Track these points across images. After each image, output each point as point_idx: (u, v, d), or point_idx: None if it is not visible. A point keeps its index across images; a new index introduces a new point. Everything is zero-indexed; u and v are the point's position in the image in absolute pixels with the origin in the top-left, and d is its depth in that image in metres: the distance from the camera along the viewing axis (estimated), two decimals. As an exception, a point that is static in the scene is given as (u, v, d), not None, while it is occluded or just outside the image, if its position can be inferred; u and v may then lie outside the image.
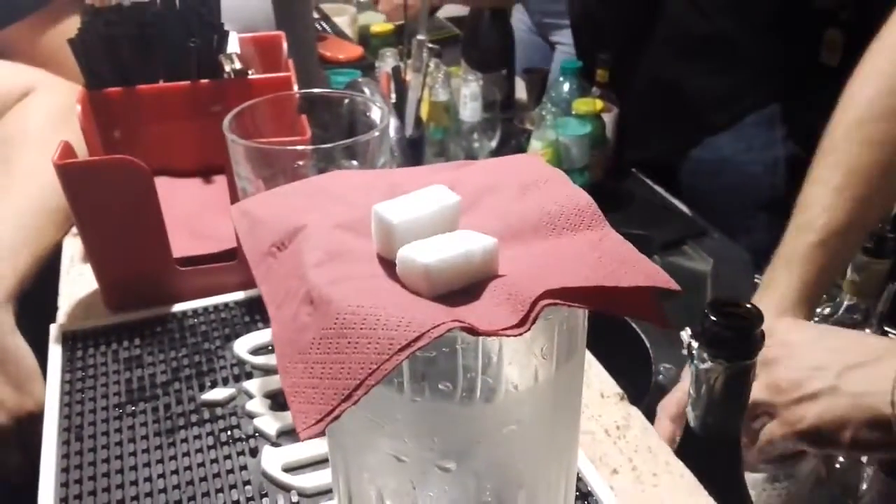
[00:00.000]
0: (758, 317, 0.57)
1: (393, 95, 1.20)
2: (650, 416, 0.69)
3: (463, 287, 0.37)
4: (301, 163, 0.64)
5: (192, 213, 0.81)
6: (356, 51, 1.56)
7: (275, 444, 0.59)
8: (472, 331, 0.34)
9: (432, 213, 0.39)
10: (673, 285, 0.38)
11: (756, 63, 1.26)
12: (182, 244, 0.74)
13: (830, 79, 1.11)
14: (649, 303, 0.39)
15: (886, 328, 0.94)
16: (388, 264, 0.39)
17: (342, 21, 1.74)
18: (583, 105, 1.23)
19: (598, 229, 0.41)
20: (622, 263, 0.38)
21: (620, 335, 1.00)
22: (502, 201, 0.44)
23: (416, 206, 0.39)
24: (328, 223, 0.41)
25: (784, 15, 1.27)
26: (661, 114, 1.33)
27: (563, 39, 1.68)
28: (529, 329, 0.34)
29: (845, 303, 0.93)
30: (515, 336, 0.34)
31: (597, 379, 0.66)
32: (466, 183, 0.45)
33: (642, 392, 0.93)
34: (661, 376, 0.97)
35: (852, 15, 1.74)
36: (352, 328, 0.34)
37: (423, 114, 1.21)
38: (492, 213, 0.42)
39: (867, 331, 0.83)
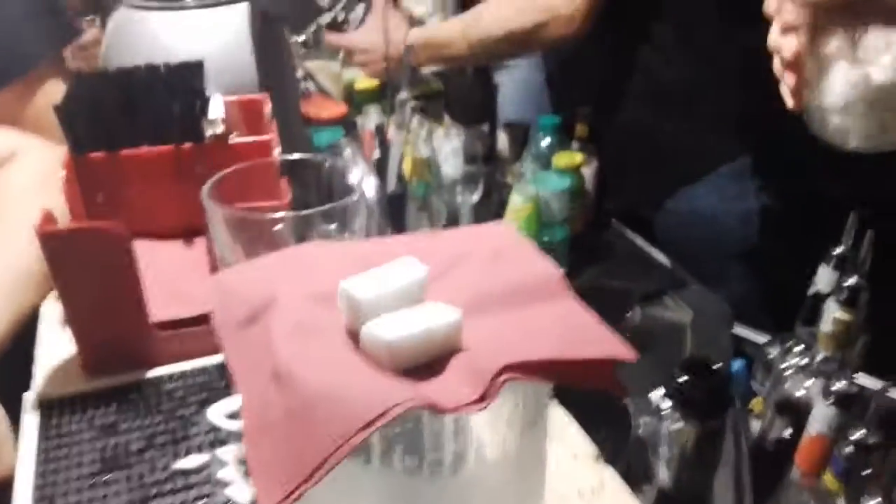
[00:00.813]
0: (727, 377, 0.58)
1: (376, 152, 1.22)
2: (629, 475, 0.69)
3: (427, 361, 0.38)
4: (279, 228, 0.65)
5: (171, 276, 0.81)
6: (339, 109, 1.58)
7: (249, 512, 0.59)
8: (434, 408, 0.35)
9: (399, 287, 0.40)
10: (631, 356, 0.39)
11: (723, 111, 1.29)
12: (161, 307, 0.75)
13: (799, 126, 1.14)
14: (609, 374, 0.40)
15: (860, 376, 0.94)
16: (356, 338, 0.40)
17: (327, 78, 1.76)
18: (562, 159, 1.25)
19: (563, 300, 0.42)
20: (584, 335, 0.40)
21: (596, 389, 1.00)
22: (471, 272, 0.45)
23: (383, 281, 0.40)
24: (299, 296, 0.42)
25: (746, 61, 1.29)
26: (637, 164, 1.35)
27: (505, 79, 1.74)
28: (488, 405, 0.35)
29: (820, 353, 0.94)
30: (476, 412, 0.35)
31: (571, 438, 0.67)
32: (436, 253, 0.46)
33: (621, 447, 0.93)
34: (639, 430, 0.97)
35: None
36: (317, 405, 0.35)
37: (406, 170, 1.23)
38: (460, 285, 0.44)
39: (840, 382, 0.84)
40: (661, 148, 1.31)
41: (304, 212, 0.64)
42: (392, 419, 0.33)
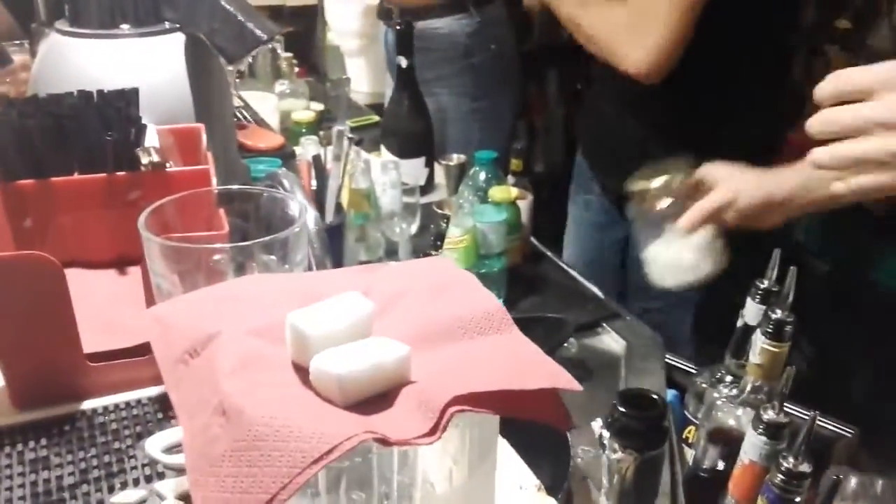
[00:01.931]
0: (666, 408, 0.59)
1: (314, 183, 1.21)
2: (567, 505, 0.70)
3: (376, 395, 0.38)
4: (218, 258, 0.64)
5: (105, 307, 0.79)
6: (277, 139, 1.57)
7: (187, 549, 0.57)
8: (385, 441, 0.35)
9: (346, 322, 0.40)
10: (575, 386, 0.39)
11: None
12: (93, 339, 0.73)
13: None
14: (554, 404, 0.41)
15: (787, 406, 0.97)
16: (302, 372, 0.39)
17: (264, 108, 1.76)
18: (498, 193, 1.27)
19: (507, 332, 0.43)
20: (528, 366, 0.40)
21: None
22: (415, 306, 0.45)
23: (330, 315, 0.40)
24: (242, 330, 0.42)
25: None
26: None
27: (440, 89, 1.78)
28: (440, 437, 0.35)
29: (749, 384, 0.96)
30: (427, 444, 0.35)
31: (514, 470, 0.67)
32: (379, 288, 0.46)
33: (561, 477, 0.94)
34: (580, 459, 0.98)
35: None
36: (264, 440, 0.34)
37: (344, 200, 1.22)
38: (405, 319, 0.44)
39: (770, 412, 0.86)
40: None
41: (244, 243, 0.64)
42: (343, 453, 0.33)
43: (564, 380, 0.39)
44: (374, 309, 0.42)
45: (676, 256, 1.14)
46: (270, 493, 0.33)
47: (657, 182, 1.14)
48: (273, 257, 0.66)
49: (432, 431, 0.35)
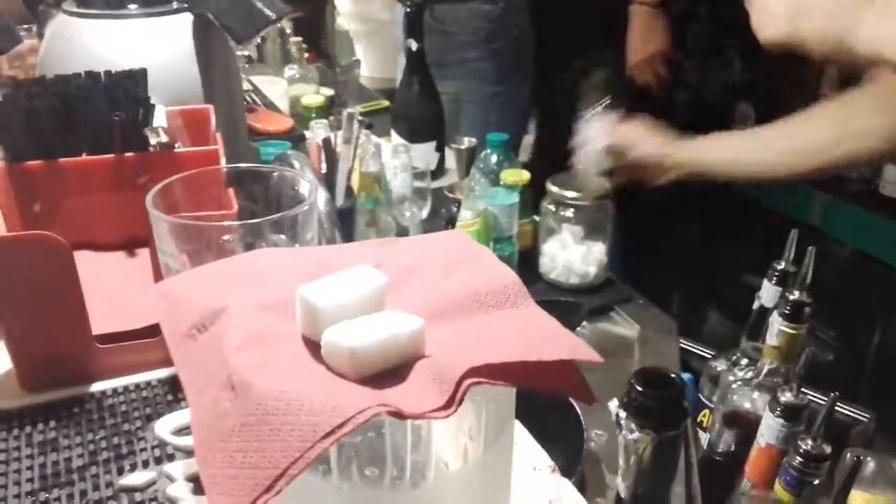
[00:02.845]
0: (683, 387, 0.57)
1: (324, 166, 1.20)
2: (582, 488, 0.69)
3: (389, 369, 0.37)
4: (227, 237, 0.63)
5: (113, 288, 0.79)
6: (286, 122, 1.56)
7: (198, 530, 0.57)
8: (399, 415, 0.34)
9: (358, 295, 0.39)
10: (595, 357, 0.38)
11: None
12: (102, 320, 0.72)
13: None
14: (574, 377, 0.40)
15: (804, 389, 0.96)
16: (313, 346, 0.38)
17: (273, 93, 1.74)
18: (510, 176, 1.26)
19: (523, 306, 0.42)
20: (545, 338, 0.39)
21: (551, 402, 1.00)
22: (429, 280, 0.44)
23: (342, 288, 0.39)
24: (251, 304, 0.41)
25: None
26: None
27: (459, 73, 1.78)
28: (456, 410, 0.34)
29: (766, 367, 0.95)
30: (443, 418, 0.34)
31: (528, 451, 0.66)
32: (393, 261, 0.45)
33: (574, 461, 0.93)
34: (593, 443, 0.97)
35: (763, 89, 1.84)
36: (274, 414, 0.33)
37: (354, 184, 1.21)
38: (418, 293, 0.43)
39: (787, 394, 0.85)
40: None
41: (254, 220, 0.63)
42: (356, 426, 0.32)
43: (584, 351, 0.38)
44: (388, 282, 0.40)
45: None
46: (281, 468, 0.32)
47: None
48: (283, 236, 0.65)
49: (448, 405, 0.34)
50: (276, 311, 0.41)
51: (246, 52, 1.86)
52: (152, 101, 0.87)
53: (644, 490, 0.59)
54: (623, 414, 0.58)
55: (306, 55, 1.91)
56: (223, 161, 0.84)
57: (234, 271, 0.45)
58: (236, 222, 0.64)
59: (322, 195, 0.91)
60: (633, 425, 0.57)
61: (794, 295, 1.00)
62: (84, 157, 0.83)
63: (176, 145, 0.85)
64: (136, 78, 0.89)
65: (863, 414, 1.16)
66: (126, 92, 0.86)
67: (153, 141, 0.83)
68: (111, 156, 0.82)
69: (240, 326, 0.39)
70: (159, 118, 0.87)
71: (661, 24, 1.88)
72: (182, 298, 0.43)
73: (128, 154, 0.82)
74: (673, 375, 0.58)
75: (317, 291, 0.39)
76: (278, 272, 0.44)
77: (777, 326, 0.99)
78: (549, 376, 0.39)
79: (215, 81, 1.04)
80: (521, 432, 0.68)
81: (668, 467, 0.59)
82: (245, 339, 0.38)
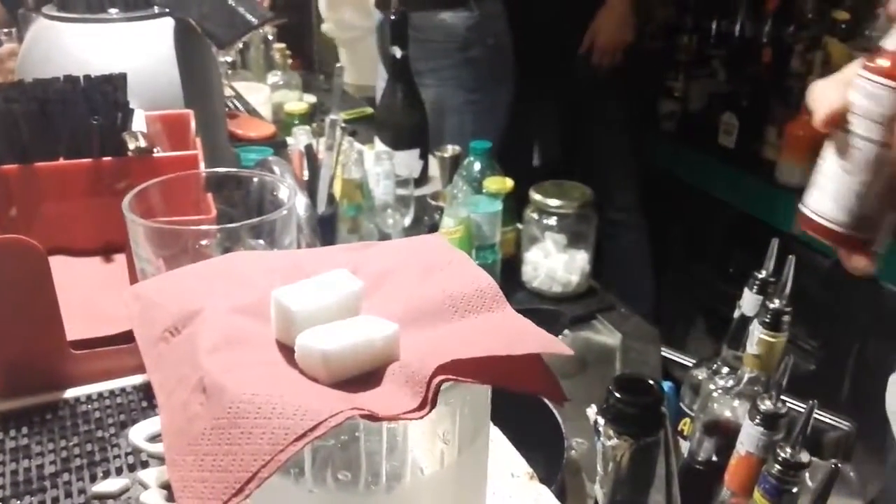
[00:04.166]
0: (662, 393, 0.57)
1: (306, 173, 1.20)
2: (561, 495, 0.68)
3: (363, 374, 0.36)
4: (205, 242, 0.63)
5: (89, 294, 0.78)
6: (268, 128, 1.56)
7: (171, 538, 0.56)
8: (372, 417, 0.33)
9: (333, 300, 0.39)
10: (566, 351, 0.38)
11: None
12: (77, 326, 0.71)
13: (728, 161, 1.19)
14: (546, 377, 0.39)
15: (784, 397, 0.96)
16: (286, 350, 0.38)
17: (256, 99, 1.74)
18: (493, 184, 1.26)
19: (499, 310, 0.42)
20: (517, 336, 0.39)
21: (530, 409, 1.00)
22: (405, 284, 0.43)
23: (317, 292, 0.39)
24: (225, 307, 0.40)
25: None
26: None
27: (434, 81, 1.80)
28: (430, 410, 0.34)
29: (746, 375, 0.95)
30: (417, 419, 0.34)
31: (506, 458, 0.66)
32: (369, 265, 0.45)
33: (554, 468, 0.93)
34: (573, 451, 0.97)
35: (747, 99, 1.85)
36: (245, 417, 0.33)
37: (336, 191, 1.21)
38: (394, 297, 0.42)
39: (767, 402, 0.85)
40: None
41: (231, 225, 0.62)
42: (328, 430, 0.32)
43: (555, 346, 0.38)
44: (363, 287, 0.40)
45: None
46: (251, 472, 0.31)
47: None
48: (261, 241, 0.64)
49: (421, 406, 0.34)
50: (250, 314, 0.40)
51: (229, 58, 1.85)
52: (132, 106, 0.86)
53: (622, 497, 0.59)
54: (601, 420, 0.58)
55: (290, 61, 1.90)
56: (202, 166, 0.83)
57: (208, 274, 0.44)
58: (214, 226, 0.64)
59: (302, 201, 0.90)
60: (611, 432, 0.57)
61: (775, 304, 1.00)
62: (61, 161, 0.82)
63: (155, 150, 0.84)
64: (116, 82, 0.89)
65: (843, 422, 1.16)
66: (105, 96, 0.85)
67: (132, 146, 0.82)
68: (89, 160, 0.81)
69: (213, 329, 0.39)
70: (138, 123, 0.86)
71: (632, 18, 2.00)
72: (155, 301, 0.42)
73: (106, 158, 0.81)
74: (651, 382, 0.58)
75: (291, 295, 0.39)
76: (254, 275, 0.44)
77: (757, 335, 0.99)
78: (520, 375, 0.39)
79: (196, 86, 1.04)
80: (499, 439, 0.67)
81: (646, 474, 0.59)
82: (218, 342, 0.38)
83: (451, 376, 0.35)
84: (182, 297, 0.42)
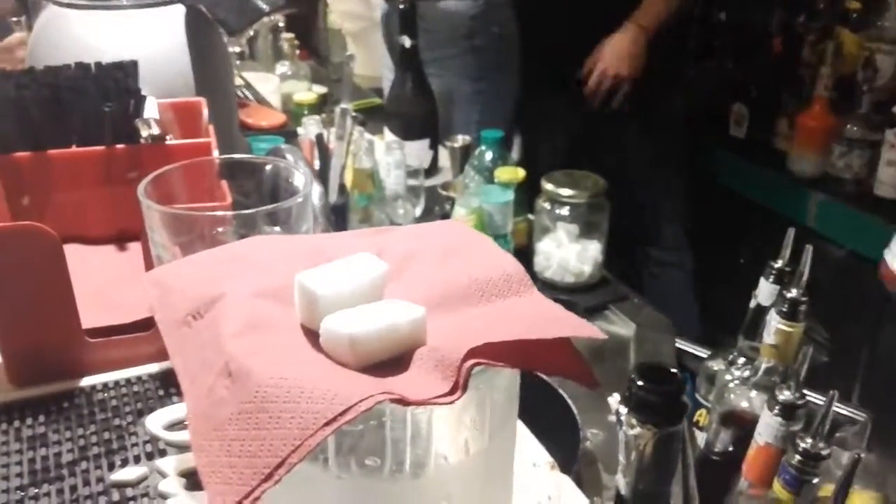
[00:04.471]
0: (683, 382, 0.56)
1: (316, 162, 1.19)
2: (579, 484, 0.68)
3: (390, 358, 0.36)
4: (221, 229, 0.62)
5: (104, 282, 0.77)
6: (279, 117, 1.55)
7: (190, 527, 0.55)
8: (403, 401, 0.32)
9: (358, 283, 0.38)
10: (599, 335, 0.37)
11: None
12: (93, 314, 0.71)
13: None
14: (576, 361, 0.39)
15: (804, 391, 0.96)
16: (312, 335, 0.37)
17: (265, 90, 1.73)
18: (505, 174, 1.25)
19: (527, 294, 0.41)
20: (547, 319, 0.38)
21: (546, 400, 0.99)
22: (430, 268, 0.43)
23: (342, 275, 0.38)
24: (248, 291, 0.40)
25: None
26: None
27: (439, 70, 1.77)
28: (462, 395, 0.33)
29: (763, 365, 0.94)
30: (448, 403, 0.33)
31: (527, 447, 0.65)
32: (392, 250, 0.44)
33: (570, 459, 0.92)
34: (588, 442, 0.96)
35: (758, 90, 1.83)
36: (273, 402, 0.32)
37: (347, 181, 1.20)
38: (419, 281, 0.41)
39: (786, 392, 0.84)
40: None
41: (248, 211, 0.61)
42: (359, 414, 0.31)
43: (587, 329, 0.37)
44: (388, 270, 0.39)
45: None
46: (280, 457, 0.31)
47: None
48: (277, 229, 0.64)
49: (453, 390, 0.33)
50: (273, 298, 0.40)
51: (237, 49, 1.84)
52: (143, 93, 0.85)
53: (645, 486, 0.58)
54: (624, 409, 0.57)
55: (298, 52, 1.89)
56: (216, 152, 0.82)
57: (228, 258, 0.44)
58: (230, 212, 0.63)
59: (317, 189, 0.89)
60: (633, 421, 0.56)
61: (792, 293, 0.99)
62: (73, 148, 0.81)
63: (167, 138, 0.84)
64: (127, 69, 0.88)
65: (859, 413, 1.15)
66: (116, 83, 0.85)
67: (144, 133, 0.82)
68: (101, 148, 0.81)
69: (237, 313, 0.38)
70: (151, 110, 0.85)
71: (643, 53, 1.81)
72: (175, 286, 0.42)
73: (118, 146, 0.81)
74: (674, 371, 0.58)
75: (316, 279, 0.38)
76: (275, 259, 0.43)
77: (775, 325, 0.98)
78: (551, 359, 0.38)
79: (207, 74, 1.03)
80: (520, 429, 0.67)
81: (669, 463, 0.58)
82: (242, 326, 0.37)
83: (482, 360, 0.34)
84: (203, 281, 0.41)
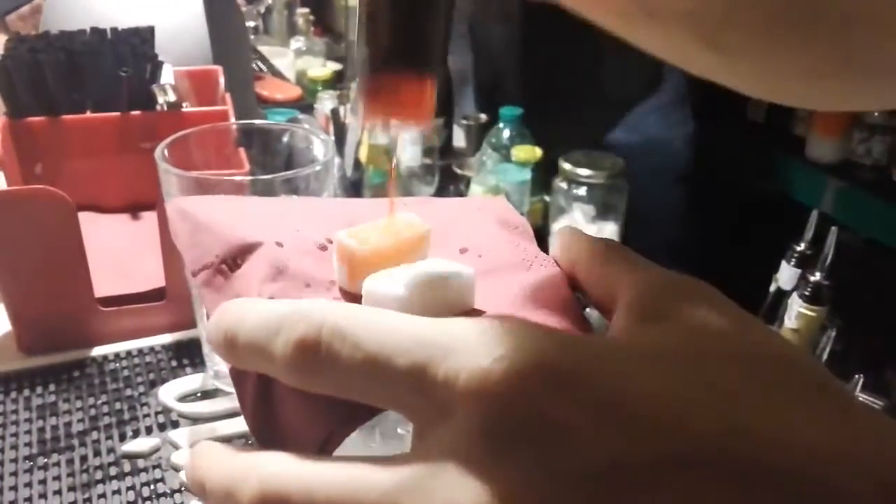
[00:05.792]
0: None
1: (332, 137, 1.17)
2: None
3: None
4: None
5: (117, 251, 0.76)
6: (294, 90, 1.53)
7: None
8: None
9: (401, 242, 0.36)
10: None
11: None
12: (106, 283, 0.69)
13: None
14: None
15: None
16: (351, 297, 0.35)
17: (280, 64, 1.71)
18: (522, 152, 1.23)
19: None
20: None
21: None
22: (473, 235, 0.41)
23: (383, 236, 0.36)
24: (286, 245, 0.37)
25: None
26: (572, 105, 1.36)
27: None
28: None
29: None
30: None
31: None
32: (432, 216, 0.42)
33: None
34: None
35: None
36: None
37: (363, 157, 1.18)
38: (463, 247, 0.39)
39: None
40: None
41: (266, 176, 0.60)
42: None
43: None
44: (431, 229, 0.37)
45: None
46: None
47: None
48: (296, 197, 0.62)
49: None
50: (311, 255, 0.38)
51: (251, 23, 1.82)
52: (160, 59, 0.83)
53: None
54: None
55: (312, 28, 1.87)
56: (233, 119, 0.81)
57: (262, 210, 0.41)
58: (248, 177, 0.61)
59: (336, 160, 0.88)
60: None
61: (815, 276, 0.97)
62: (88, 114, 0.79)
63: (184, 105, 0.82)
64: (143, 35, 0.86)
65: (876, 401, 1.14)
66: (133, 48, 0.83)
67: (161, 99, 0.80)
68: (117, 114, 0.79)
69: (273, 266, 0.36)
70: (167, 76, 0.84)
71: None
72: (206, 224, 0.39)
73: (134, 112, 0.79)
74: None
75: (356, 237, 0.36)
76: (309, 217, 0.41)
77: (796, 308, 0.96)
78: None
79: (223, 43, 1.01)
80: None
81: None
82: (284, 284, 0.35)
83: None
84: (237, 226, 0.38)
